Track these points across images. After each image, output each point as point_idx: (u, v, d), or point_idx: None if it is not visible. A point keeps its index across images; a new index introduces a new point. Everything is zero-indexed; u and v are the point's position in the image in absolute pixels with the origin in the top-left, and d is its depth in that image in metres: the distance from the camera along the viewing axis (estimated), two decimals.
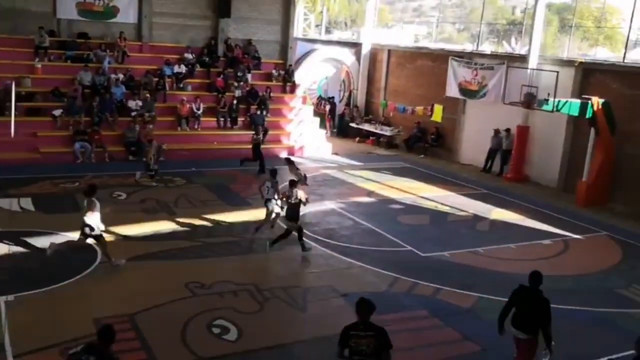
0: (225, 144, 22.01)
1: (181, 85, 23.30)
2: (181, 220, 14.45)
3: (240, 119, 23.16)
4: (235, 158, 20.44)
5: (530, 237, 15.29)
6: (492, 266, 13.12)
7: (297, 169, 16.50)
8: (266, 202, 13.83)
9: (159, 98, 22.44)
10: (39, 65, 21.42)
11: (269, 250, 12.80)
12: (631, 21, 19.54)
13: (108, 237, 12.64)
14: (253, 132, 20.34)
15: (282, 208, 13.51)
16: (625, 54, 19.78)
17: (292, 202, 12.65)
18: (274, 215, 13.98)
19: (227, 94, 23.44)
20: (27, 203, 14.85)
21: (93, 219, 10.99)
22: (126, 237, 13.07)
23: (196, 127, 22.29)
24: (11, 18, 21.83)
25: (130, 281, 10.94)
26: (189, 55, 24.23)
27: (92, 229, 10.97)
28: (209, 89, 23.79)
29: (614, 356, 8.81)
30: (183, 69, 23.58)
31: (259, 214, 14.63)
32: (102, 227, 11.22)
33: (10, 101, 18.53)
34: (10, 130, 18.29)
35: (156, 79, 22.71)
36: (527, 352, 8.22)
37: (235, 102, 23.19)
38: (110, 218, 13.97)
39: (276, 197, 13.73)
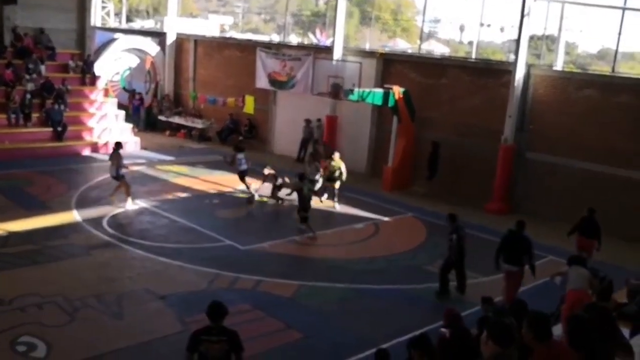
0: (18, 142, 20.06)
1: None
2: None
3: (35, 115, 21.22)
4: (31, 158, 18.70)
5: (343, 222, 15.88)
6: (310, 253, 13.42)
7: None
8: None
9: None
10: None
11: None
12: (424, 14, 21.08)
13: None
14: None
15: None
16: (420, 45, 21.29)
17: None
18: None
19: (18, 87, 21.32)
20: None
21: None
22: None
23: None
24: None
25: None
26: None
27: None
28: None
29: (426, 329, 9.36)
30: None
31: (61, 217, 13.95)
32: None
33: None
34: None
35: None
36: (517, 280, 10.58)
37: (28, 96, 21.16)
38: None
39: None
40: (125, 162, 15.70)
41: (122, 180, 15.47)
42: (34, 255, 11.91)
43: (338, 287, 11.53)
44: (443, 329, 7.40)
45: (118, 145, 15.80)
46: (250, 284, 11.38)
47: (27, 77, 21.93)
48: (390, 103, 18.78)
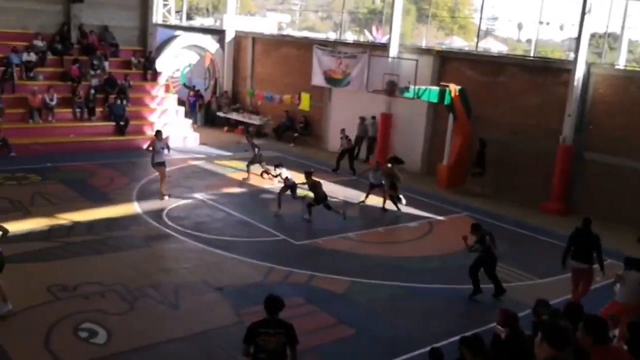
0: (83, 136, 20.81)
1: (31, 75, 21.63)
2: (38, 219, 13.47)
3: (99, 110, 21.96)
4: (94, 151, 19.38)
5: (397, 220, 15.86)
6: (363, 250, 13.45)
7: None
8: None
9: (7, 89, 20.77)
10: None
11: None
12: (482, 12, 20.78)
13: None
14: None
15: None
16: (477, 43, 21.00)
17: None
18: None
19: (83, 83, 22.11)
20: None
21: None
22: None
23: (50, 119, 20.88)
24: None
25: None
26: (38, 42, 22.54)
27: None
28: (63, 78, 22.29)
29: (479, 330, 9.28)
30: (33, 57, 21.89)
31: (122, 209, 14.46)
32: None
33: None
34: None
35: (2, 68, 20.91)
36: (587, 278, 10.44)
37: (92, 91, 21.93)
38: None
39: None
40: (183, 157, 16.03)
41: (160, 168, 15.81)
42: (97, 245, 12.36)
43: (390, 284, 11.55)
44: (499, 327, 7.33)
45: (157, 133, 16.16)
46: (304, 278, 11.52)
47: (92, 73, 22.73)
48: (446, 101, 18.62)
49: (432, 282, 11.67)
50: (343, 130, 20.89)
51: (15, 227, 12.73)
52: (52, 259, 11.51)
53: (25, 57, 21.65)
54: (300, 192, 15.86)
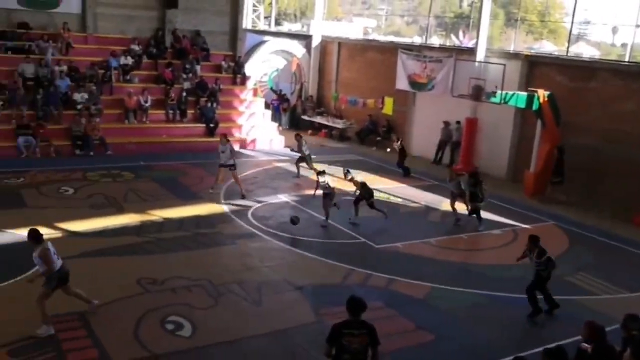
0: (174, 137, 21.67)
1: (128, 77, 22.75)
2: (131, 215, 14.14)
3: (190, 112, 22.81)
4: (185, 151, 20.14)
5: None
6: (444, 256, 13.31)
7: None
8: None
9: (105, 90, 21.89)
10: None
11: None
12: (573, 16, 20.09)
13: (55, 234, 12.34)
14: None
15: None
16: (568, 47, 20.32)
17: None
18: None
19: (175, 86, 23.05)
20: None
21: None
22: (74, 233, 12.71)
23: (144, 120, 21.83)
24: None
25: (81, 278, 10.59)
26: (135, 47, 23.69)
27: None
28: (157, 81, 23.30)
29: (563, 342, 9.03)
30: (130, 60, 23.03)
31: (210, 208, 14.88)
32: None
33: None
34: None
35: (102, 71, 22.14)
36: None
37: (184, 94, 22.82)
38: (58, 214, 13.66)
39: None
40: (268, 158, 16.38)
41: (220, 169, 16.42)
42: (185, 241, 12.86)
43: (471, 292, 11.39)
44: (584, 344, 7.11)
45: (220, 137, 16.78)
46: (383, 282, 11.55)
47: (184, 76, 23.66)
48: (535, 106, 18.13)
49: (514, 292, 11.39)
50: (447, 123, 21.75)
51: (109, 222, 13.56)
52: (143, 254, 12.06)
53: (122, 60, 22.82)
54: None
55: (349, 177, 15.37)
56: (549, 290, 10.65)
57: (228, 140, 16.62)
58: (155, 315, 9.50)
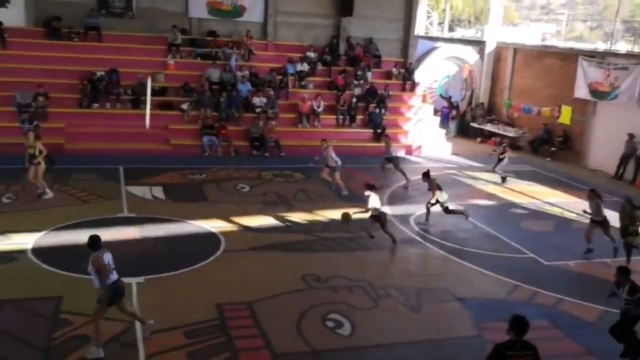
0: (343, 141, 22.18)
1: (303, 83, 23.77)
2: (299, 214, 14.76)
3: (359, 117, 23.28)
4: (353, 155, 20.60)
5: None
6: None
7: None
8: None
9: (282, 95, 23.01)
10: (172, 62, 22.66)
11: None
12: None
13: (230, 227, 13.26)
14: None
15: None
16: None
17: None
18: None
19: (346, 92, 23.66)
20: (159, 192, 15.76)
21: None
22: (247, 228, 13.54)
23: (316, 124, 22.64)
24: (149, 17, 23.33)
25: (250, 270, 11.34)
26: (311, 54, 24.69)
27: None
28: (330, 87, 24.09)
29: None
30: (305, 67, 24.05)
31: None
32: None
33: (146, 95, 19.69)
34: (145, 122, 19.43)
35: (280, 77, 23.34)
36: None
37: (354, 100, 23.34)
38: (234, 209, 14.67)
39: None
40: (434, 165, 16.20)
41: (325, 170, 16.82)
42: (348, 242, 13.19)
43: None
44: None
45: (322, 141, 17.31)
46: (551, 301, 10.98)
47: (355, 82, 24.23)
48: None
49: None
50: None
51: (279, 219, 14.27)
52: (309, 251, 12.55)
53: (299, 67, 23.89)
54: None
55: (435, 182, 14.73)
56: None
57: (328, 145, 16.99)
58: (318, 312, 9.82)
